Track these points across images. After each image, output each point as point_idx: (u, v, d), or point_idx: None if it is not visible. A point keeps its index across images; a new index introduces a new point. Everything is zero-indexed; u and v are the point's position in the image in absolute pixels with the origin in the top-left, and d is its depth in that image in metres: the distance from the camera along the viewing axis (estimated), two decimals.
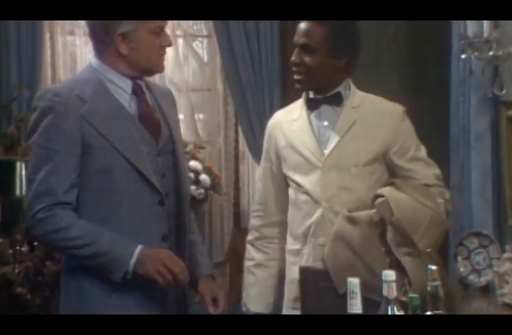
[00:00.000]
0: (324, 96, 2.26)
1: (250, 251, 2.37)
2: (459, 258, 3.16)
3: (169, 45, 2.00)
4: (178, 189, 2.01)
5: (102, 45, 1.95)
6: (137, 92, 1.99)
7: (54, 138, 1.88)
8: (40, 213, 1.87)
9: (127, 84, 1.98)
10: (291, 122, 2.29)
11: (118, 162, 1.91)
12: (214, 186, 4.13)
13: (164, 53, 2.00)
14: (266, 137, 2.37)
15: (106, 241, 1.88)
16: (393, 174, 2.27)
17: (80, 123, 1.89)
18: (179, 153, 2.04)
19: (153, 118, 2.01)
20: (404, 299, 1.80)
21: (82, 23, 4.13)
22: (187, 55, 4.36)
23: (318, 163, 2.22)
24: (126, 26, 1.92)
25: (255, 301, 2.33)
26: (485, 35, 3.23)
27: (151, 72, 2.04)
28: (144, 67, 1.98)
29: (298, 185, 2.25)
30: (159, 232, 1.97)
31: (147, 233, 1.94)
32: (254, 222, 2.38)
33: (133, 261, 1.87)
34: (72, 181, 1.89)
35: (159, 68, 2.02)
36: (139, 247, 1.88)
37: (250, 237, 2.39)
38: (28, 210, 1.90)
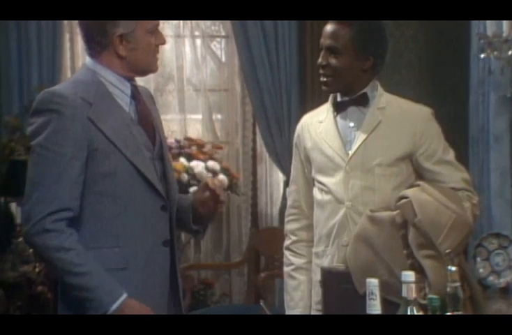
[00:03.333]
0: (350, 98, 2.26)
1: (288, 256, 2.36)
2: (478, 259, 3.14)
3: (164, 44, 1.98)
4: (170, 195, 1.99)
5: (98, 46, 1.91)
6: (135, 95, 1.96)
7: (61, 142, 1.84)
8: (47, 222, 1.81)
9: (126, 87, 1.95)
10: (317, 124, 2.29)
11: (124, 167, 1.88)
12: (232, 187, 4.13)
13: (158, 52, 1.98)
14: (295, 139, 2.37)
15: (96, 277, 1.83)
16: (421, 177, 2.24)
17: (87, 127, 1.86)
18: (167, 159, 2.02)
19: (150, 122, 1.98)
20: (423, 301, 1.78)
21: None
22: (206, 55, 4.37)
23: (342, 163, 2.22)
24: (125, 27, 1.89)
25: (299, 304, 2.32)
26: (505, 34, 3.22)
27: (146, 72, 2.01)
28: (141, 67, 1.95)
29: (323, 185, 2.25)
30: (160, 237, 1.94)
31: (149, 238, 1.92)
32: (289, 226, 2.36)
33: (114, 307, 1.81)
34: (78, 186, 1.85)
35: (154, 68, 1.98)
36: (124, 295, 1.83)
37: (286, 242, 2.37)
38: (31, 214, 1.83)
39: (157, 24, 1.95)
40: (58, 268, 1.84)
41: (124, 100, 1.94)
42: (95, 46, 1.92)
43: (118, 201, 1.89)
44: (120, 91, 1.94)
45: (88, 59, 1.97)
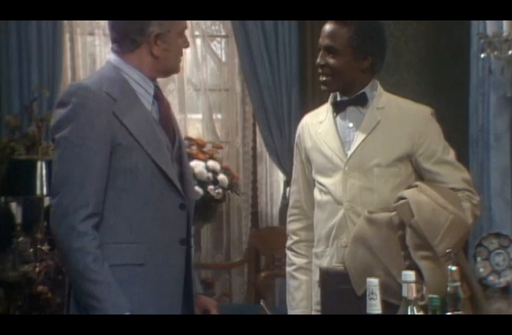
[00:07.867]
0: (349, 98, 2.26)
1: (290, 256, 2.37)
2: (478, 259, 3.14)
3: (188, 47, 2.02)
4: (187, 195, 2.00)
5: (132, 44, 1.92)
6: (158, 95, 1.98)
7: (86, 135, 1.85)
8: (76, 221, 1.82)
9: (150, 87, 1.96)
10: (317, 124, 2.30)
11: (145, 164, 1.90)
12: (232, 186, 4.14)
13: (182, 54, 2.01)
14: (296, 139, 2.38)
15: (106, 288, 1.83)
16: (420, 178, 2.24)
17: (112, 121, 1.87)
18: (185, 161, 2.03)
19: (170, 123, 1.99)
20: (421, 303, 1.78)
21: (102, 23, 4.18)
22: (206, 55, 4.38)
23: (341, 164, 2.22)
24: (161, 27, 1.91)
25: (300, 304, 2.33)
26: (505, 34, 3.22)
27: (170, 73, 2.05)
28: (169, 67, 1.99)
29: (322, 185, 2.25)
30: (178, 236, 1.95)
31: (166, 236, 1.92)
32: (291, 227, 2.37)
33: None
34: (102, 181, 1.87)
35: (178, 69, 2.03)
36: (128, 313, 1.82)
37: (288, 242, 2.38)
38: (60, 208, 1.85)
39: (186, 27, 1.98)
40: (73, 268, 1.85)
41: (147, 99, 1.96)
42: (129, 44, 1.93)
43: (138, 197, 1.90)
44: (143, 90, 1.95)
45: (112, 56, 1.97)
